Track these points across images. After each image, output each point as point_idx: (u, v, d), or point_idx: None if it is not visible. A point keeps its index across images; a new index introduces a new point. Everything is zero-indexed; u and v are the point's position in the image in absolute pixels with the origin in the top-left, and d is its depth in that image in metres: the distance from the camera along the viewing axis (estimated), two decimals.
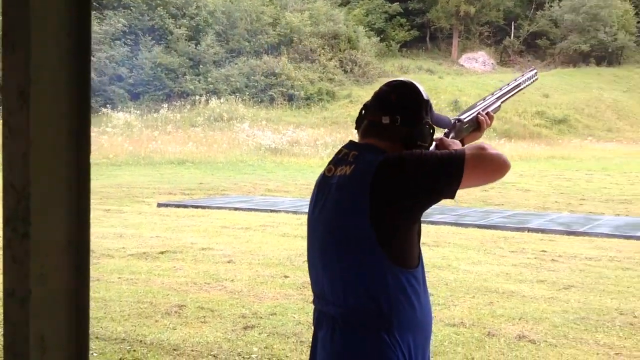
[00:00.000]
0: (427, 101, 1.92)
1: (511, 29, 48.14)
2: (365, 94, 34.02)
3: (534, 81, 2.53)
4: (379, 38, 42.31)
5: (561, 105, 35.92)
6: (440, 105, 32.75)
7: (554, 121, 34.03)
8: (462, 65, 44.65)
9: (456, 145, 2.00)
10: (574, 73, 42.62)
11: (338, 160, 1.92)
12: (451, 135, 2.10)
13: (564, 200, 13.62)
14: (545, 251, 7.99)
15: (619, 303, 5.53)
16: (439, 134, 2.04)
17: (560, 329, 4.86)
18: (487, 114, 2.22)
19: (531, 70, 2.52)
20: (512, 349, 4.44)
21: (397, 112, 1.88)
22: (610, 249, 8.23)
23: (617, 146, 30.68)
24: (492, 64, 45.69)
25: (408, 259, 1.83)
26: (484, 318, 5.13)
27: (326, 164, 1.99)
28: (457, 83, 37.39)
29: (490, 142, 30.96)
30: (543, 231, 9.68)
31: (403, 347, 1.81)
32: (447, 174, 1.76)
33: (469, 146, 1.84)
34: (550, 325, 4.94)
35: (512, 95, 2.42)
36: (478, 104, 2.25)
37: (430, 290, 6.04)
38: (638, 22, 46.66)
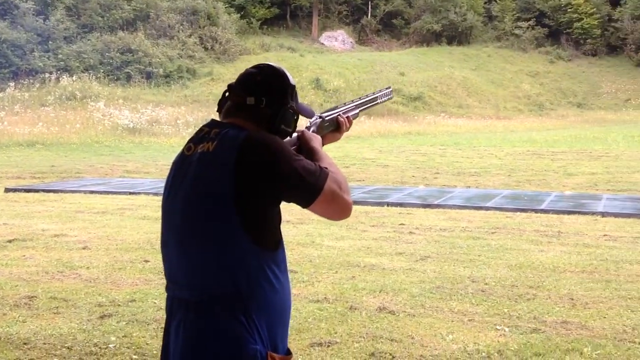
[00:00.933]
0: (293, 86, 1.94)
1: (368, 8, 49.27)
2: (227, 71, 33.65)
3: (389, 98, 2.62)
4: (239, 15, 41.84)
5: (416, 83, 37.36)
6: (303, 83, 33.04)
7: (409, 98, 35.35)
8: (322, 44, 45.17)
9: (317, 143, 2.01)
10: (427, 52, 44.40)
11: (199, 138, 1.88)
12: (312, 129, 2.11)
13: (420, 175, 14.20)
14: (403, 224, 8.28)
15: (471, 271, 5.83)
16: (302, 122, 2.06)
17: (418, 299, 5.04)
18: (347, 118, 2.27)
19: (387, 88, 2.61)
20: (373, 320, 4.54)
21: (262, 93, 1.88)
22: (462, 219, 8.67)
23: (467, 122, 32.41)
24: (351, 42, 46.60)
25: (269, 242, 1.82)
26: (347, 292, 5.22)
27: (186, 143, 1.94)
28: (318, 61, 37.83)
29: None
30: (401, 205, 10.03)
31: (261, 330, 1.78)
32: (302, 193, 1.81)
33: (332, 177, 1.84)
34: (409, 296, 5.11)
35: (369, 106, 2.49)
36: (339, 107, 2.30)
37: (294, 268, 6.07)
38: (485, 3, 49.31)
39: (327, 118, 2.20)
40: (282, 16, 46.91)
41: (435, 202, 10.19)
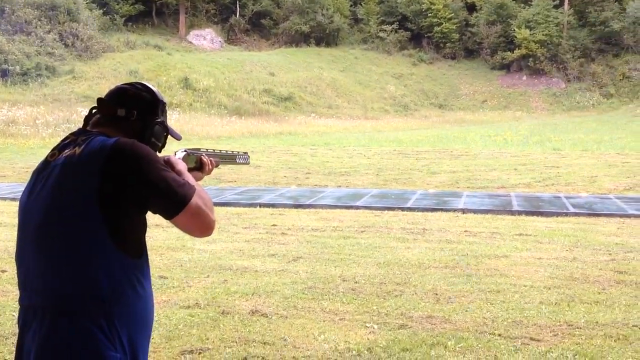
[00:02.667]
0: (164, 103, 2.00)
1: (236, 7, 49.04)
2: (90, 69, 32.32)
3: (246, 163, 2.70)
4: (102, 11, 40.26)
5: (286, 84, 37.65)
6: (171, 83, 32.37)
7: (280, 98, 35.57)
8: (190, 42, 44.45)
9: (183, 167, 2.01)
10: (296, 52, 44.87)
11: (64, 145, 1.85)
12: (178, 156, 2.14)
13: (291, 175, 14.32)
14: (275, 225, 8.31)
15: (342, 270, 5.95)
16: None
17: (290, 300, 5.08)
18: (210, 160, 2.31)
19: (245, 153, 2.70)
20: (246, 324, 4.52)
21: (133, 106, 1.91)
22: (333, 219, 8.84)
23: (336, 122, 33.06)
24: (220, 41, 46.19)
25: (133, 249, 1.80)
26: (219, 297, 5.16)
27: (49, 147, 1.94)
28: (186, 60, 37.16)
29: (221, 119, 31.07)
30: (273, 206, 10.07)
31: (122, 338, 1.75)
32: (168, 204, 1.80)
33: (198, 193, 1.86)
34: (281, 298, 5.13)
35: (226, 162, 2.54)
36: (201, 149, 2.34)
37: (164, 273, 5.89)
38: (351, 6, 50.53)
39: (192, 154, 2.22)
40: (148, 13, 45.68)
41: (307, 202, 10.32)
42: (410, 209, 9.80)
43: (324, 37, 47.88)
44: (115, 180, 1.73)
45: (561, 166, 15.39)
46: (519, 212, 9.55)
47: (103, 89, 30.44)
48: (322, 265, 6.18)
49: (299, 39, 47.34)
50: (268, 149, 20.03)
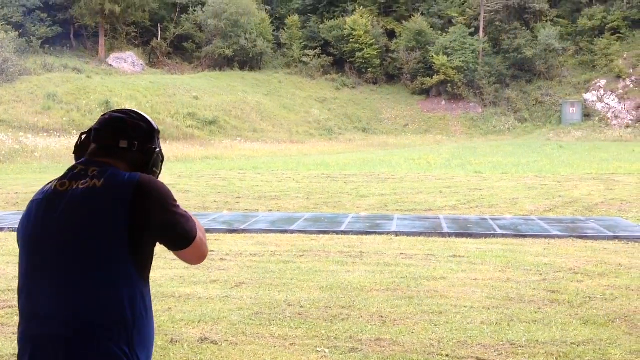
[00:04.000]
0: (159, 131, 2.10)
1: (158, 30, 48.57)
2: (6, 92, 31.22)
3: None
4: (17, 33, 39.05)
5: (211, 107, 37.46)
6: (92, 106, 31.66)
7: (205, 122, 35.33)
8: (110, 65, 43.64)
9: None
10: (220, 76, 44.77)
11: (74, 175, 1.90)
12: None
13: (222, 199, 14.24)
14: (213, 251, 8.25)
15: (286, 295, 5.98)
16: None
17: (238, 326, 5.08)
18: None
19: None
20: (197, 352, 4.50)
21: (133, 137, 1.98)
22: (270, 243, 8.85)
23: (262, 145, 33.11)
24: (142, 64, 45.55)
25: (146, 275, 1.92)
26: (164, 325, 5.10)
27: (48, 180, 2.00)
28: (107, 83, 36.45)
29: None
30: (208, 231, 9.98)
31: None
32: (179, 239, 1.94)
33: (199, 226, 2.04)
34: (229, 324, 5.12)
35: None
36: None
37: None
38: (274, 31, 50.94)
39: None
40: (66, 35, 44.65)
41: (241, 227, 10.29)
42: (344, 232, 9.93)
43: (247, 61, 48.01)
44: (141, 215, 1.82)
45: (484, 188, 15.94)
46: (449, 234, 9.83)
47: (19, 113, 29.46)
48: (265, 290, 6.19)
49: (223, 63, 47.30)
50: (196, 174, 19.86)
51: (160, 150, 2.09)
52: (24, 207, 2.46)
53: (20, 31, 39.98)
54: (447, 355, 4.36)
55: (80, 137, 2.01)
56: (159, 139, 2.11)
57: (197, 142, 31.46)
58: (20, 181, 17.18)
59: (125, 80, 38.59)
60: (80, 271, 1.79)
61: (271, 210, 12.73)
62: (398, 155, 27.47)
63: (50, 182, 1.94)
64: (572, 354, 4.37)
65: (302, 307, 5.59)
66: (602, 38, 47.87)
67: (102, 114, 2.02)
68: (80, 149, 1.99)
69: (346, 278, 6.64)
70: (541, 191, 15.31)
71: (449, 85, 46.69)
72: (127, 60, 45.11)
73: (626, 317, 5.22)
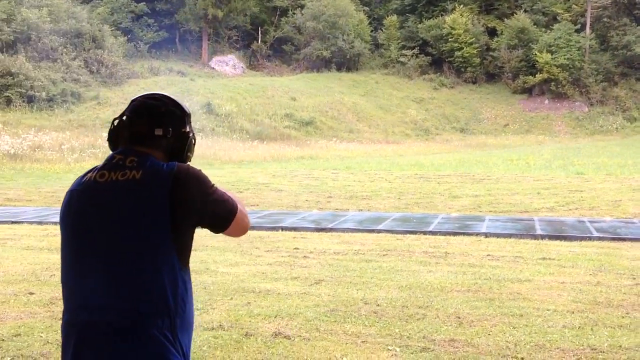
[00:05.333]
0: (189, 114, 2.09)
1: (258, 34, 49.64)
2: (114, 95, 32.81)
3: None
4: (126, 38, 41.00)
5: (307, 108, 37.90)
6: (194, 108, 32.70)
7: (301, 123, 35.79)
8: (213, 68, 45.01)
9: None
10: (317, 77, 45.20)
11: (113, 165, 1.93)
12: None
13: (313, 199, 14.37)
14: (297, 248, 8.35)
15: (364, 293, 5.96)
16: None
17: (313, 322, 5.11)
18: None
19: None
20: (269, 346, 4.56)
21: (168, 124, 1.99)
22: (355, 242, 8.86)
23: (357, 146, 33.15)
24: (242, 67, 46.71)
25: (187, 261, 1.96)
26: (242, 319, 5.20)
27: (75, 172, 2.00)
28: (209, 86, 37.61)
29: (243, 144, 31.23)
30: (295, 229, 10.12)
31: (183, 346, 1.89)
32: (221, 220, 1.98)
33: (238, 199, 2.05)
34: (304, 320, 5.16)
35: None
36: None
37: None
38: (372, 32, 50.88)
39: None
40: (171, 40, 46.42)
41: (329, 226, 10.35)
42: (432, 233, 9.79)
43: (344, 62, 48.20)
44: (182, 204, 1.87)
45: (585, 190, 15.27)
46: (542, 237, 9.50)
47: None
48: (344, 288, 6.20)
49: (320, 64, 47.71)
50: (290, 173, 20.13)
51: (194, 134, 2.10)
52: None
53: (129, 36, 41.95)
54: (522, 358, 4.21)
55: (112, 123, 2.03)
56: (190, 122, 2.10)
57: (293, 142, 31.90)
58: None
59: (227, 83, 39.69)
60: (125, 262, 1.84)
61: (361, 210, 12.74)
62: (496, 156, 26.77)
63: (89, 172, 1.98)
64: None
65: (378, 305, 5.56)
66: None
67: (131, 99, 2.05)
68: (114, 135, 2.02)
69: (427, 278, 6.54)
70: None
71: (552, 83, 45.02)
72: (229, 63, 46.39)
73: None
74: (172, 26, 46.29)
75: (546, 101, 45.84)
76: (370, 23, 51.52)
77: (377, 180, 18.41)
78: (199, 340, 4.62)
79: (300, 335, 4.78)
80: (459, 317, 5.14)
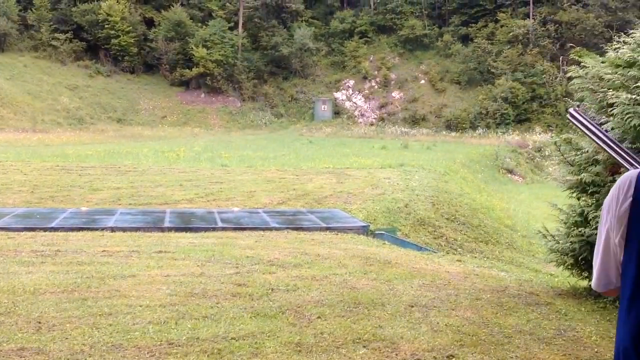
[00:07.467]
0: None
1: None
2: None
3: None
4: None
5: None
6: None
7: None
8: None
9: None
10: None
11: None
12: None
13: None
14: None
15: None
16: None
17: None
18: None
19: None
20: None
21: None
22: None
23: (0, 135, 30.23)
24: None
25: None
26: None
27: None
28: None
29: None
30: None
31: None
32: None
33: None
34: None
35: None
36: None
37: None
38: (20, 11, 46.74)
39: None
40: None
41: None
42: (53, 229, 9.18)
43: None
44: None
45: (224, 182, 15.91)
46: (169, 229, 9.55)
47: None
48: None
49: None
50: None
51: None
52: None
53: None
54: None
55: None
56: None
57: None
58: None
59: None
60: None
61: None
62: (148, 148, 26.64)
63: None
64: (227, 349, 4.26)
65: None
66: (351, 41, 50.97)
67: None
68: None
69: (23, 280, 5.99)
70: (278, 184, 15.65)
71: (208, 78, 46.52)
72: None
73: (298, 307, 5.29)
74: None
75: (202, 95, 47.23)
76: (18, 1, 47.27)
77: (11, 171, 16.88)
78: None
79: None
80: (40, 322, 4.75)
